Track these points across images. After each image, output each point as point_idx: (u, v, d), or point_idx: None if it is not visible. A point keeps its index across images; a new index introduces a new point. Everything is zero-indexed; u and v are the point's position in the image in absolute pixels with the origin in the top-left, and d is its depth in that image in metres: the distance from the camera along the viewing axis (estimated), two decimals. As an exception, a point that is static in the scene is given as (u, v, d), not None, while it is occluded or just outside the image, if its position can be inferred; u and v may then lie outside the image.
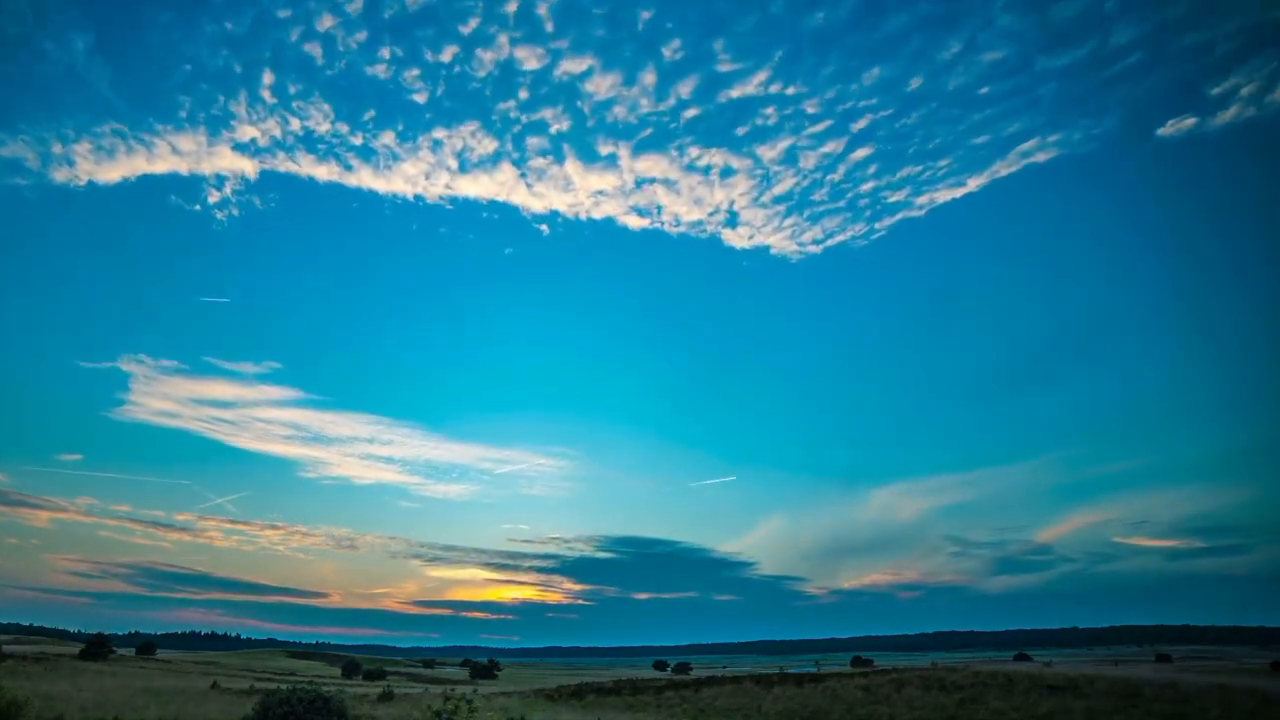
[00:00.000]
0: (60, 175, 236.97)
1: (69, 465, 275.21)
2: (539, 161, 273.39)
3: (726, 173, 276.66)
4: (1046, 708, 26.35)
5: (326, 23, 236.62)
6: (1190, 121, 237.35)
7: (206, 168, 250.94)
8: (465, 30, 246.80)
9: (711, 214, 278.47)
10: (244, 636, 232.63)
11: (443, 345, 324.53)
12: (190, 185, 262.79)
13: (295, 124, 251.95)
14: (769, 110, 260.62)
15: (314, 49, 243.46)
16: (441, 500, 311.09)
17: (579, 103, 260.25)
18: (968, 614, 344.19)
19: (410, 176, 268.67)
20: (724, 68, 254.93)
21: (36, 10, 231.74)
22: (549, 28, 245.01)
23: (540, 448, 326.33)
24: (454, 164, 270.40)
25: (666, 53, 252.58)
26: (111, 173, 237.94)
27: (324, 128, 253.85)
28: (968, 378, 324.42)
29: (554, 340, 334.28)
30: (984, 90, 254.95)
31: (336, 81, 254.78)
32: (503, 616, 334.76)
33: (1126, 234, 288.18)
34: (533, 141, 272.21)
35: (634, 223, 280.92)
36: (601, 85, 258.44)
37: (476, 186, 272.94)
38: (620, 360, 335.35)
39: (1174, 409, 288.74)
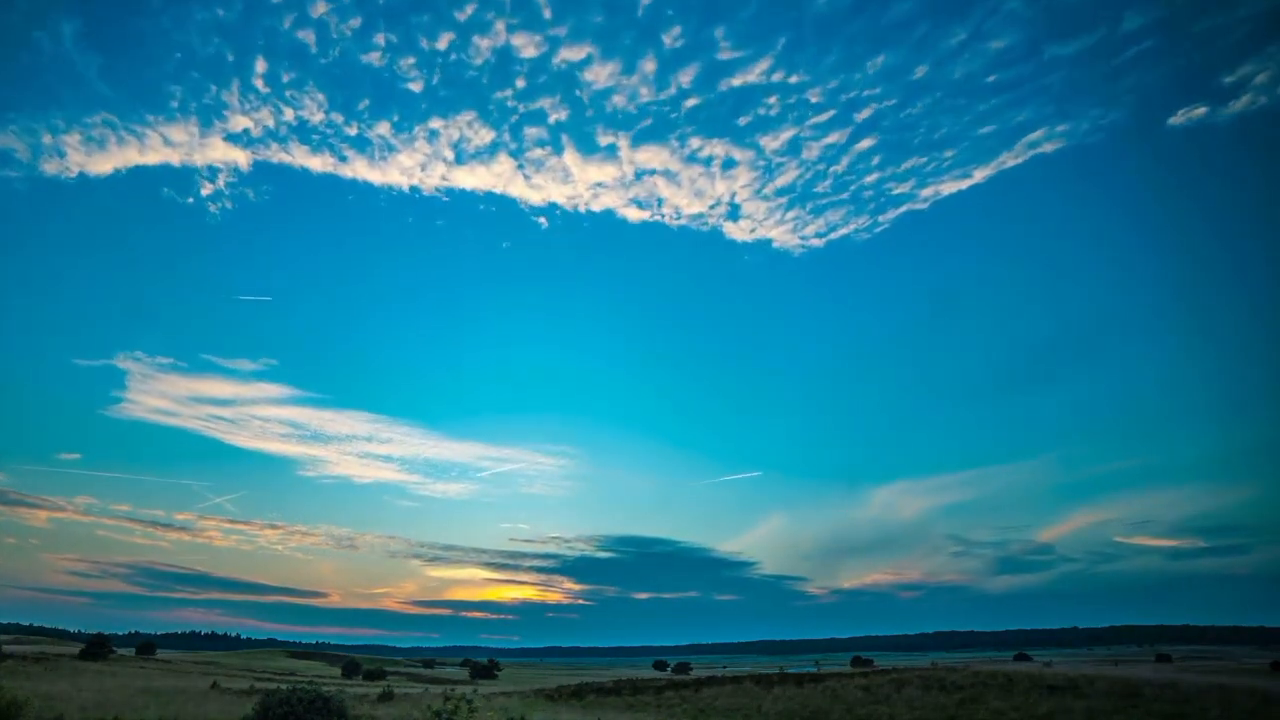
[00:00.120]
0: (51, 167, 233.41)
1: (67, 464, 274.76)
2: (537, 152, 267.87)
3: (728, 164, 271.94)
4: (1046, 708, 26.35)
5: (320, 9, 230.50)
6: (1201, 111, 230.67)
7: (199, 159, 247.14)
8: (461, 17, 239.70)
9: (713, 206, 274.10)
10: (244, 636, 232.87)
11: (440, 342, 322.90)
12: (183, 177, 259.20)
13: (289, 114, 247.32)
14: (771, 99, 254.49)
15: (307, 36, 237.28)
16: (441, 499, 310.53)
17: (577, 92, 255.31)
18: (968, 614, 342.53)
19: (406, 168, 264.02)
20: (725, 56, 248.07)
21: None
22: (546, 14, 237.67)
23: (540, 446, 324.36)
24: (450, 155, 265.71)
25: (667, 40, 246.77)
26: (103, 164, 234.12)
27: (318, 117, 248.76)
28: (969, 375, 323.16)
29: (553, 337, 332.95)
30: (991, 79, 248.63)
31: (330, 70, 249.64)
32: (503, 616, 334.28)
33: (1132, 227, 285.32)
34: (530, 132, 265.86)
35: (634, 215, 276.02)
36: (600, 74, 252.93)
37: (473, 178, 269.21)
38: (620, 357, 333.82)
39: (1177, 408, 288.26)
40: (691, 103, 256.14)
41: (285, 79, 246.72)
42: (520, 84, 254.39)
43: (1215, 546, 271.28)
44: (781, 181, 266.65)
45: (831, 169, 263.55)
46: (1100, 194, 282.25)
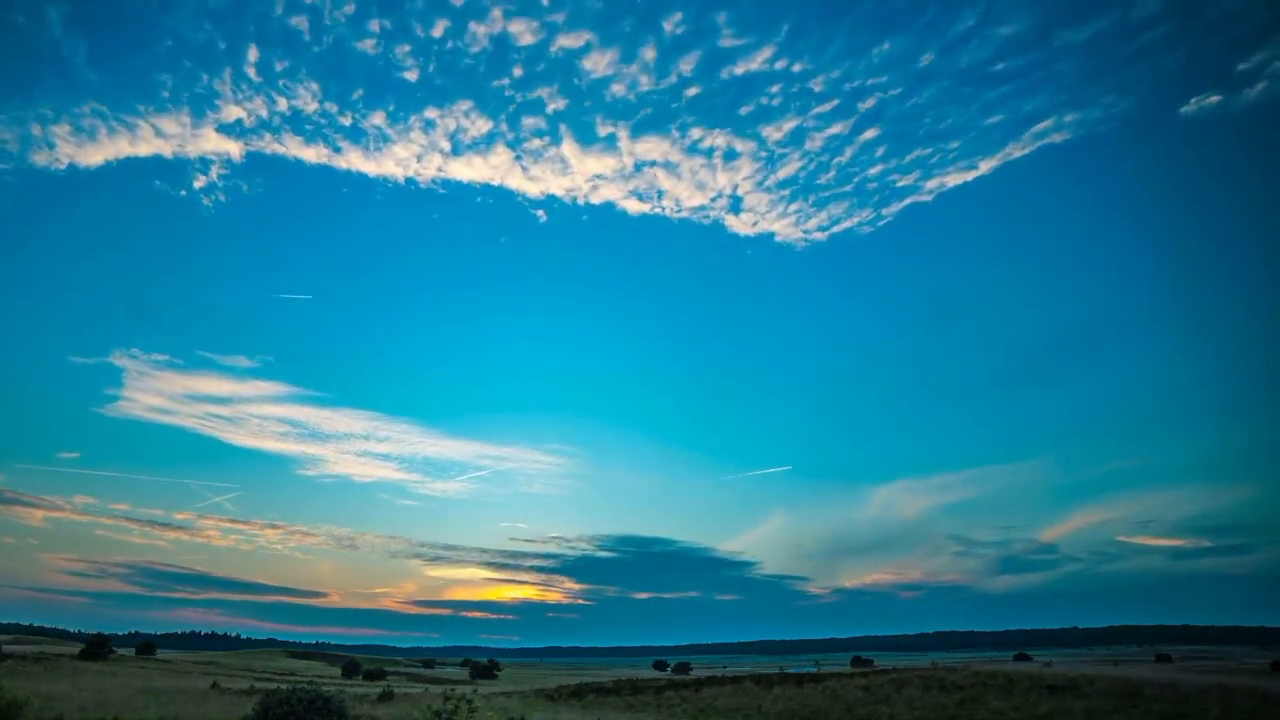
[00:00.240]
0: (40, 159, 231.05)
1: (64, 463, 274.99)
2: (535, 143, 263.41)
3: (730, 155, 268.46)
4: (1046, 708, 26.35)
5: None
6: (1215, 99, 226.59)
7: (191, 150, 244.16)
8: (457, 3, 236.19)
9: (714, 199, 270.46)
10: (244, 636, 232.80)
11: (438, 339, 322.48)
12: (175, 169, 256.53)
13: (282, 103, 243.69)
14: (774, 88, 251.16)
15: (300, 22, 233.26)
16: (440, 498, 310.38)
17: (576, 80, 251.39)
18: (969, 614, 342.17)
19: (402, 159, 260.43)
20: (727, 43, 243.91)
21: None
22: (544, 0, 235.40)
23: (539, 445, 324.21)
24: (446, 145, 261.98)
25: (667, 27, 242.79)
26: (94, 156, 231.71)
27: (311, 107, 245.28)
28: (972, 373, 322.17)
29: (551, 334, 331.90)
30: (999, 66, 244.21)
31: (324, 58, 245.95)
32: (503, 616, 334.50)
33: (1138, 221, 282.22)
34: (528, 122, 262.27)
35: (634, 207, 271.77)
36: (599, 62, 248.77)
37: (470, 170, 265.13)
38: (620, 355, 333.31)
39: (1180, 407, 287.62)
40: (692, 92, 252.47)
41: (278, 67, 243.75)
42: (517, 72, 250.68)
43: (1218, 546, 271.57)
44: (784, 173, 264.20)
45: (835, 160, 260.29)
46: (1106, 186, 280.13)
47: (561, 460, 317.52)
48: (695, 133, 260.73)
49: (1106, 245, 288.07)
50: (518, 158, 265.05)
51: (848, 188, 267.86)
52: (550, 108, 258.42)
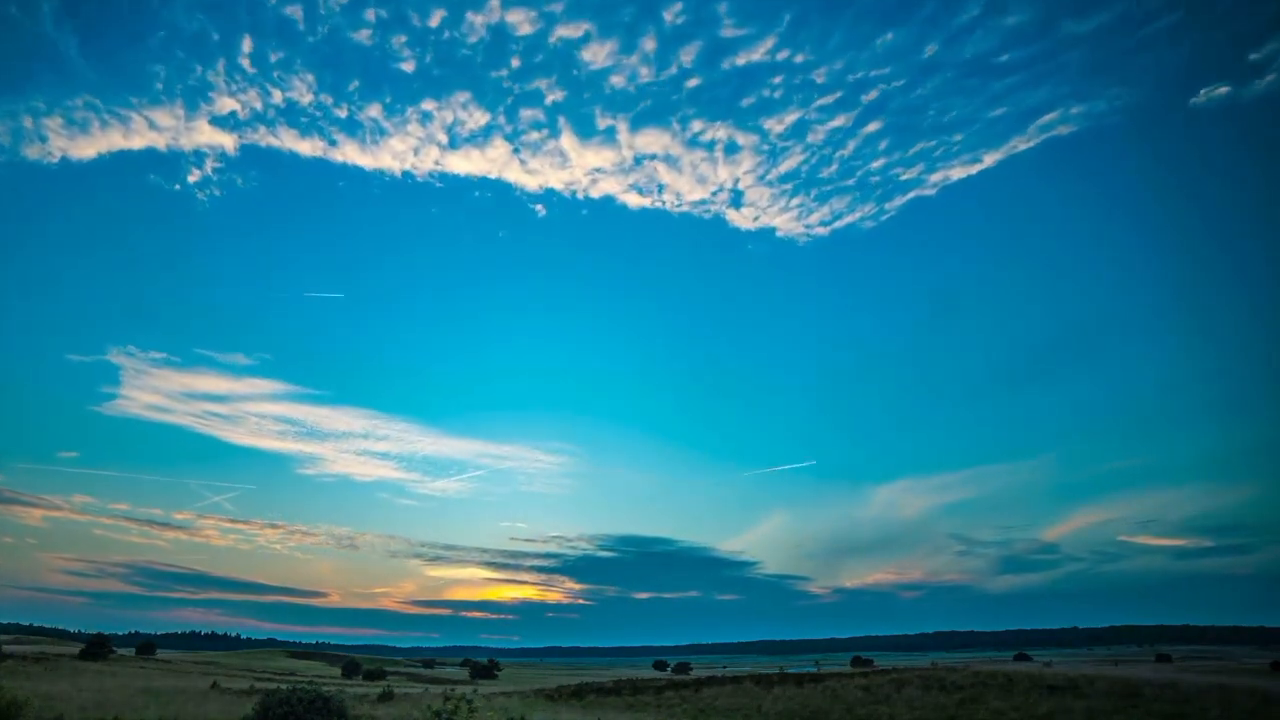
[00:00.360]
0: (33, 152, 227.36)
1: (62, 462, 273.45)
2: (533, 135, 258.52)
3: (731, 149, 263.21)
4: (1046, 708, 26.35)
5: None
6: (1224, 90, 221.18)
7: (185, 143, 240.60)
8: None
9: (715, 193, 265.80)
10: (243, 636, 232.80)
11: (435, 336, 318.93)
12: (169, 162, 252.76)
13: (276, 95, 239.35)
14: (776, 80, 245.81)
15: (294, 12, 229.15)
16: (440, 497, 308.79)
17: (574, 72, 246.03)
18: (970, 614, 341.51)
19: (398, 152, 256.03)
20: (728, 33, 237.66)
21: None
22: None
23: (539, 443, 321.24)
24: (444, 138, 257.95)
25: (667, 17, 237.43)
26: (86, 149, 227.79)
27: (306, 99, 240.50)
28: (974, 371, 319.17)
29: (550, 330, 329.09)
30: (1003, 58, 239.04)
31: (319, 49, 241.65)
32: (503, 616, 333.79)
33: (1144, 216, 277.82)
34: (526, 114, 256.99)
35: (634, 201, 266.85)
36: (599, 53, 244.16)
37: (468, 163, 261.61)
38: (620, 352, 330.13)
39: (1184, 406, 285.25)
40: (693, 83, 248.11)
41: (273, 58, 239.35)
42: (515, 63, 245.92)
43: (1219, 546, 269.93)
44: (786, 167, 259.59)
45: (837, 154, 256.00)
46: (1111, 181, 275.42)
47: (561, 459, 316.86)
48: (696, 125, 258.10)
49: (1109, 241, 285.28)
50: (516, 150, 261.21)
51: (850, 181, 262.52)
52: (549, 99, 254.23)
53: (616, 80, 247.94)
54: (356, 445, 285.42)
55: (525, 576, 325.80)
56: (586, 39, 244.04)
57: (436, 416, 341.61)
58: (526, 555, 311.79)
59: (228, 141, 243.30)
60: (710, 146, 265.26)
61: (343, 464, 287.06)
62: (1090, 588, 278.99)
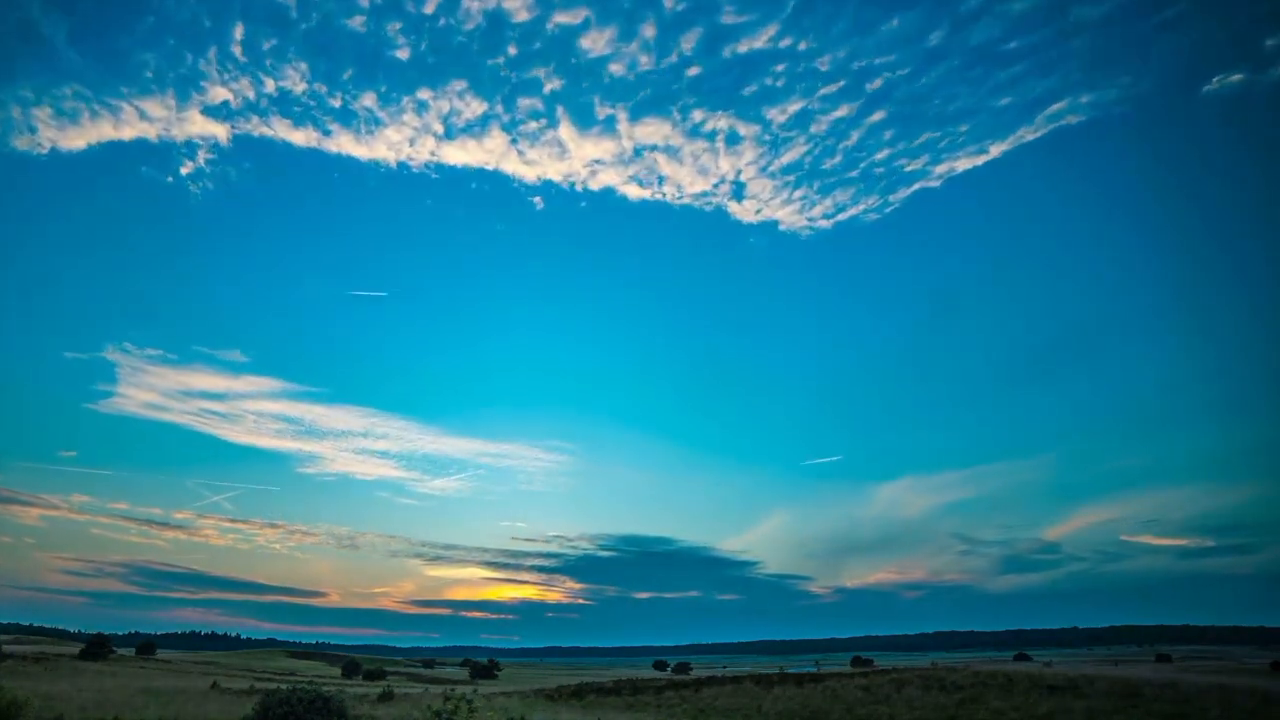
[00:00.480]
0: (21, 143, 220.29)
1: (59, 461, 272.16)
2: (531, 125, 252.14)
3: (732, 139, 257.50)
4: (1046, 708, 26.35)
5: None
6: (1238, 78, 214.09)
7: (177, 133, 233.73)
8: None
9: (717, 185, 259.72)
10: (243, 636, 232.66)
11: (434, 333, 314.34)
12: (161, 153, 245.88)
13: (269, 84, 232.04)
14: (778, 68, 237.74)
15: None
16: (439, 496, 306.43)
17: (573, 60, 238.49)
18: (972, 613, 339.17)
19: (394, 143, 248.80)
20: (729, 20, 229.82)
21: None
22: None
23: (538, 441, 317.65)
24: (440, 128, 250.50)
25: (667, 2, 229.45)
26: (76, 140, 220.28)
27: (300, 88, 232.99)
28: (976, 369, 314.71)
29: (548, 326, 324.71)
30: (1011, 45, 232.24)
31: (312, 36, 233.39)
32: (503, 616, 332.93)
33: (1151, 210, 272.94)
34: (524, 103, 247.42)
35: (634, 193, 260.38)
36: (598, 41, 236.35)
37: (464, 154, 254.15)
38: (619, 348, 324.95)
39: (1187, 404, 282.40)
40: (694, 71, 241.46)
41: (265, 46, 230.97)
42: (512, 51, 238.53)
43: (1223, 546, 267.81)
44: (788, 158, 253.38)
45: (841, 145, 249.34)
46: (1117, 173, 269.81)
47: (561, 457, 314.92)
48: (697, 115, 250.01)
49: (1112, 237, 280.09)
50: (513, 141, 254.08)
51: (854, 173, 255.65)
52: (547, 88, 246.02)
53: (615, 68, 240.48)
54: (355, 444, 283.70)
55: (525, 576, 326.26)
56: (585, 26, 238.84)
57: (435, 414, 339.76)
58: (526, 555, 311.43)
59: (220, 132, 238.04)
60: (711, 137, 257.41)
61: (342, 463, 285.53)
62: (1092, 587, 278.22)
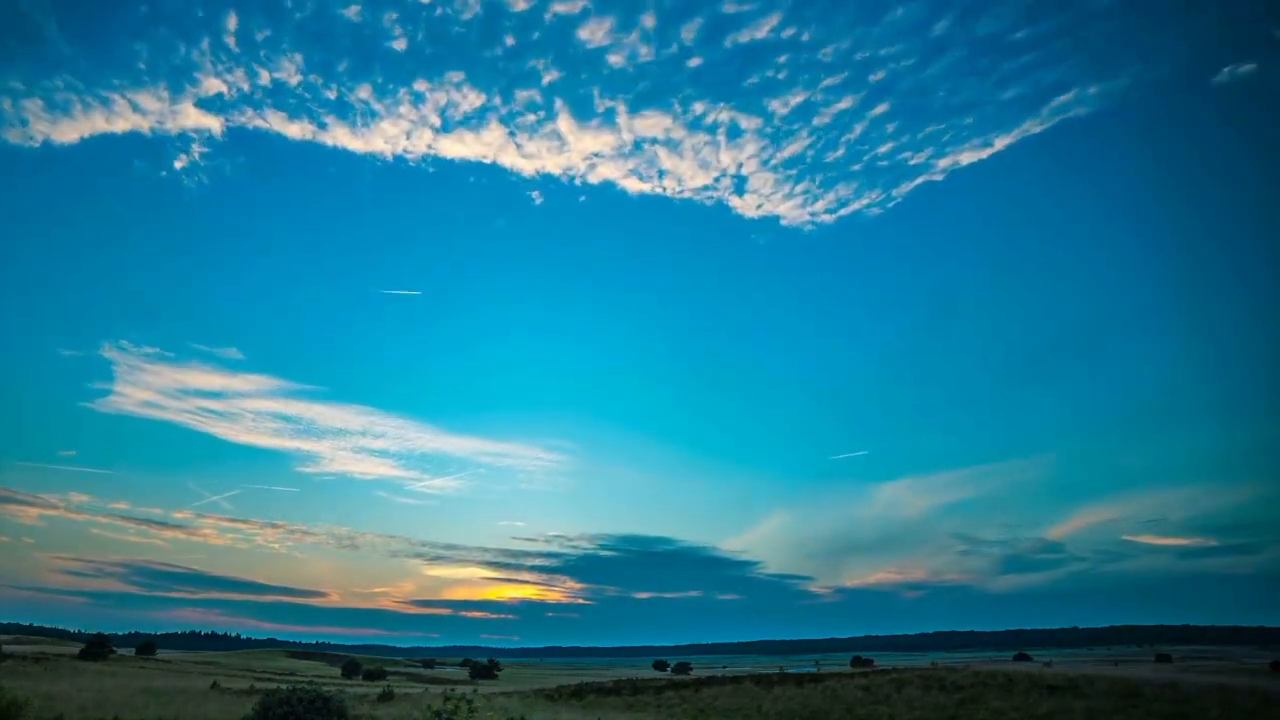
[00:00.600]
0: (13, 136, 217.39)
1: (57, 460, 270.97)
2: (529, 118, 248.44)
3: (734, 132, 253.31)
4: (1046, 708, 26.35)
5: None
6: (1250, 68, 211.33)
7: (170, 126, 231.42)
8: None
9: (718, 179, 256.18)
10: (243, 636, 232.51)
11: (434, 329, 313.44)
12: (155, 146, 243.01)
13: (264, 76, 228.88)
14: (780, 59, 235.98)
15: None
16: (439, 495, 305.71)
17: (571, 50, 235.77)
18: (972, 613, 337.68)
19: (390, 136, 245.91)
20: (730, 9, 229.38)
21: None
22: None
23: (537, 440, 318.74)
24: (436, 120, 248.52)
25: None
26: (69, 133, 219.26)
27: (294, 80, 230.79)
28: (978, 367, 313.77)
29: (547, 324, 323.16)
30: (1019, 34, 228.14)
31: (307, 26, 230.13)
32: (503, 616, 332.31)
33: (1154, 204, 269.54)
34: (522, 95, 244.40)
35: (634, 187, 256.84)
36: (596, 31, 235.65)
37: (462, 146, 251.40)
38: (619, 346, 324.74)
39: (1189, 403, 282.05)
40: (694, 62, 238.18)
41: (259, 37, 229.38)
42: (510, 41, 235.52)
43: (1223, 545, 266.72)
44: (790, 151, 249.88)
45: (844, 137, 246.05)
46: (1121, 166, 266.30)
47: (560, 457, 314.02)
48: (698, 107, 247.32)
49: (1116, 233, 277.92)
50: (511, 134, 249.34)
51: (857, 166, 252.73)
52: (545, 79, 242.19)
53: (615, 59, 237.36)
54: (354, 443, 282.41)
55: (525, 576, 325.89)
56: (584, 16, 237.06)
57: (433, 413, 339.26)
58: (527, 555, 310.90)
59: (214, 124, 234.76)
60: (713, 129, 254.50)
61: (341, 462, 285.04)
62: (1093, 587, 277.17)
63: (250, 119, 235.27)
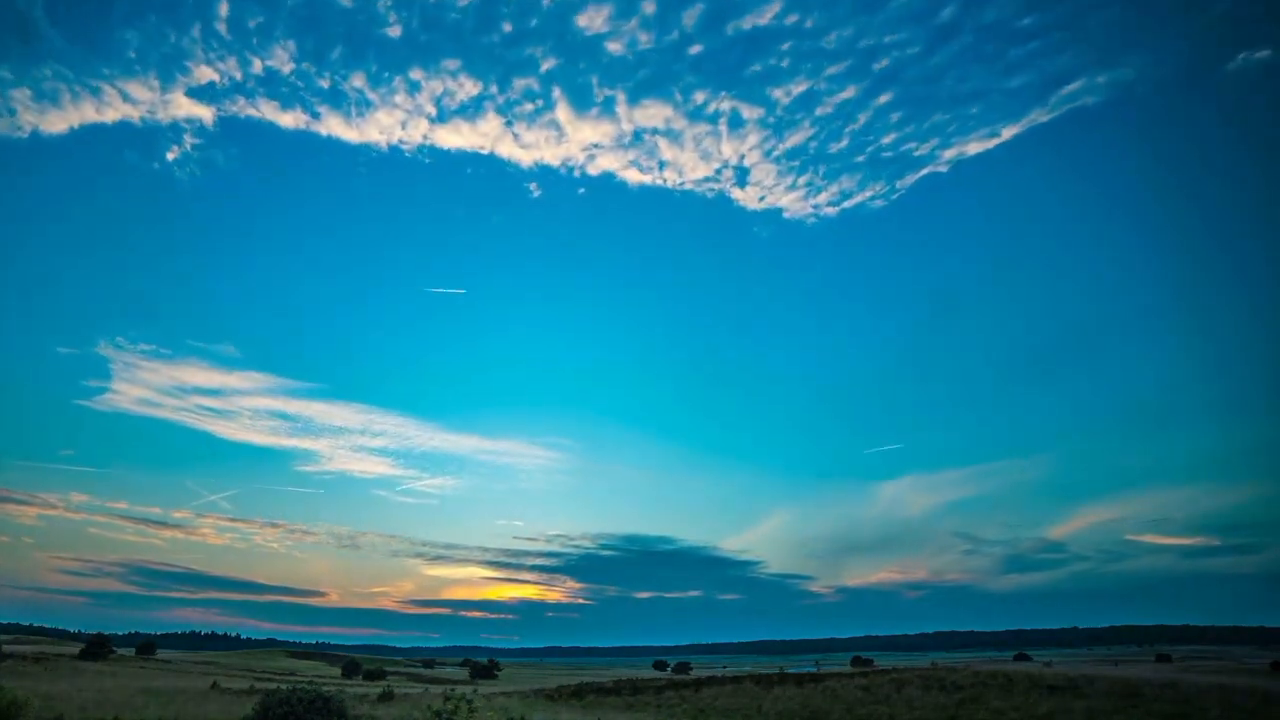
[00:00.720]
0: (0, 126, 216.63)
1: (56, 460, 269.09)
2: (526, 107, 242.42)
3: (735, 122, 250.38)
4: (1046, 708, 26.35)
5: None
6: (1265, 54, 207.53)
7: (162, 115, 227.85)
8: None
9: (719, 170, 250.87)
10: (243, 636, 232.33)
11: (433, 326, 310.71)
12: (146, 136, 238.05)
13: (256, 64, 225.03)
14: (783, 46, 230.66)
15: None
16: (437, 494, 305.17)
17: (569, 37, 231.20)
18: (972, 613, 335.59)
19: (385, 126, 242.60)
20: None
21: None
22: None
23: (536, 438, 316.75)
24: (433, 110, 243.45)
25: None
26: (57, 123, 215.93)
27: (287, 68, 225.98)
28: (980, 365, 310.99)
29: (546, 320, 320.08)
30: (1026, 20, 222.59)
31: (299, 12, 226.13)
32: (502, 616, 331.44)
33: (1156, 206, 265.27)
34: (519, 84, 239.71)
35: (634, 178, 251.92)
36: (595, 17, 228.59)
37: (458, 137, 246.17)
38: (618, 342, 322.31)
39: (1192, 402, 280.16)
40: (695, 50, 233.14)
41: (251, 24, 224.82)
42: (507, 28, 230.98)
43: (1226, 545, 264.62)
44: (793, 141, 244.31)
45: (848, 128, 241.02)
46: (1126, 160, 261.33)
47: (560, 454, 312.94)
48: (699, 96, 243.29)
49: (1118, 231, 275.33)
50: (508, 123, 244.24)
51: (861, 158, 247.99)
52: (543, 67, 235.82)
53: (614, 47, 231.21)
54: (353, 441, 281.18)
55: (525, 576, 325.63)
56: (582, 2, 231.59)
57: (431, 410, 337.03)
58: (526, 554, 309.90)
59: (205, 114, 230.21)
60: (714, 119, 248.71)
61: (340, 460, 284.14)
62: (1095, 587, 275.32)
63: (243, 108, 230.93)
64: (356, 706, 23.28)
